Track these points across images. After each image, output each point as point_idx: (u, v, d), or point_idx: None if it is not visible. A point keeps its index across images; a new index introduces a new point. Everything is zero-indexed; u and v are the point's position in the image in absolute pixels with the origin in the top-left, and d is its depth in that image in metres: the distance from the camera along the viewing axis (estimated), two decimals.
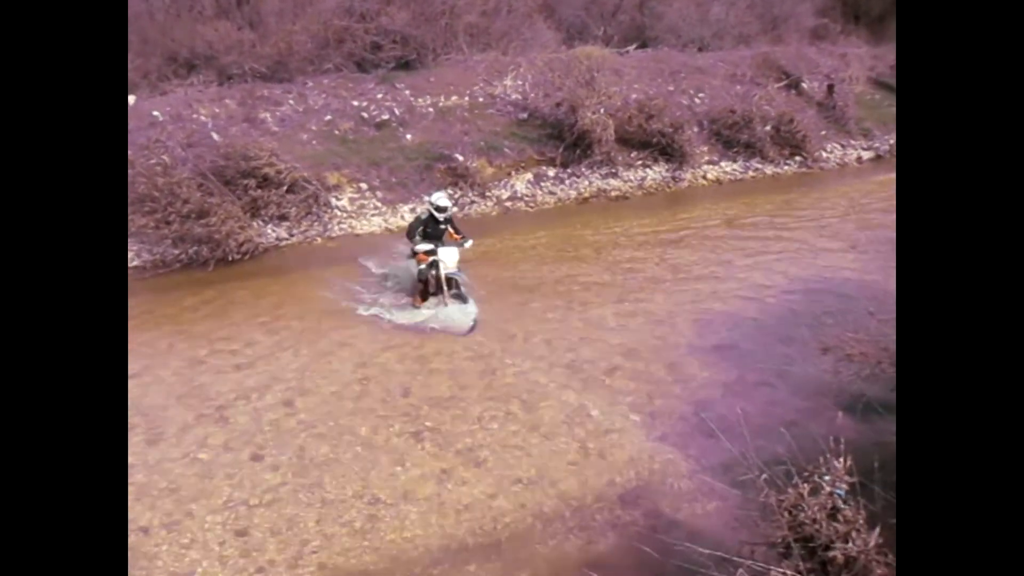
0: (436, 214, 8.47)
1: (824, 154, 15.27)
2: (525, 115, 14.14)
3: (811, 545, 3.43)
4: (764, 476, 3.65)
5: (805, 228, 11.23)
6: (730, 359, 7.11)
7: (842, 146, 15.76)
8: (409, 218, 11.95)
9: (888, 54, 18.23)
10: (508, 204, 12.81)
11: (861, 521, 3.38)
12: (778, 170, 14.67)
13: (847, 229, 10.86)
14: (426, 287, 8.46)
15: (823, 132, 15.59)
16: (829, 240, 10.46)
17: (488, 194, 12.78)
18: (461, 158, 12.75)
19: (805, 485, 3.59)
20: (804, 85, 16.49)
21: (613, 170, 13.72)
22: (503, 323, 8.02)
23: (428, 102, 13.90)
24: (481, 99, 14.36)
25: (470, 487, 5.37)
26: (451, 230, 8.70)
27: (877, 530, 3.28)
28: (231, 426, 6.13)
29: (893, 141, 16.03)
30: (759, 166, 14.65)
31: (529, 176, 13.39)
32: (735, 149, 14.70)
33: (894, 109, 16.78)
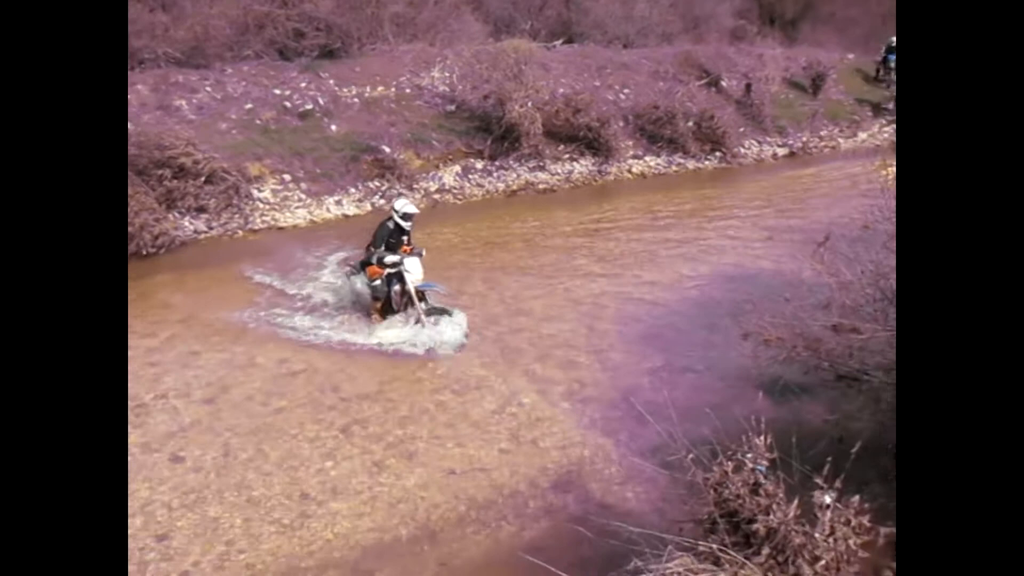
0: (403, 223, 7.67)
1: (742, 150, 15.86)
2: (453, 107, 14.07)
3: (735, 519, 3.57)
4: (691, 456, 3.77)
5: (725, 220, 11.64)
6: (656, 346, 7.30)
7: (759, 142, 16.41)
8: (335, 211, 11.73)
9: (800, 55, 19.08)
10: (436, 196, 12.71)
11: (781, 495, 3.53)
12: (699, 165, 15.14)
13: (764, 221, 11.33)
14: (388, 303, 7.61)
15: (741, 129, 16.18)
16: (748, 231, 10.89)
17: (416, 186, 12.65)
18: (388, 150, 12.57)
19: (729, 463, 3.73)
20: (723, 83, 17.06)
21: (541, 163, 13.83)
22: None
23: (353, 92, 13.63)
24: (408, 90, 14.18)
25: (402, 479, 5.32)
26: (404, 241, 7.87)
27: (796, 502, 3.44)
28: (149, 426, 5.86)
29: (805, 138, 16.82)
30: (681, 161, 15.08)
31: (457, 168, 13.34)
32: (659, 144, 15.07)
33: (806, 108, 17.63)
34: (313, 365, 6.88)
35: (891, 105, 18.31)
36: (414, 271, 7.54)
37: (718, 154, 15.44)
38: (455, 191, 12.97)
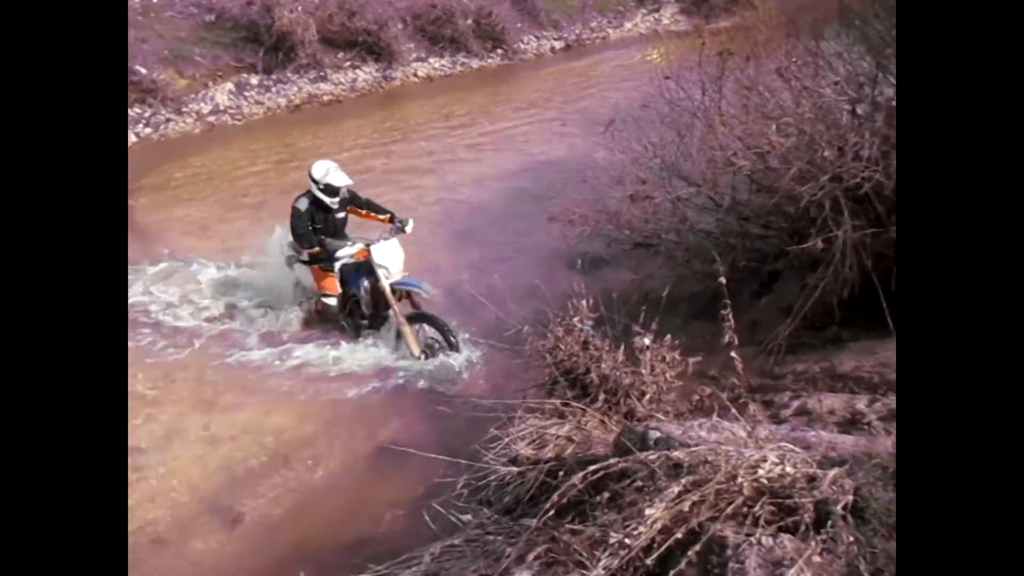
0: (325, 198, 5.46)
1: (522, 46, 16.18)
2: (212, 17, 12.70)
3: (572, 376, 3.95)
4: (526, 328, 4.06)
5: (517, 114, 11.99)
6: (470, 243, 7.53)
7: (537, 38, 16.82)
8: None
9: None
10: (211, 119, 11.63)
11: (607, 347, 3.97)
12: (483, 63, 15.24)
13: (553, 111, 11.83)
14: (355, 313, 5.65)
15: (519, 25, 16.43)
16: (539, 123, 11.33)
17: (185, 110, 11.46)
18: (143, 70, 11.16)
19: (560, 328, 4.08)
20: None
21: (321, 73, 13.11)
22: (236, 238, 7.46)
23: None
24: (154, 0, 12.50)
25: (240, 412, 5.13)
26: (367, 211, 5.83)
27: (621, 348, 3.89)
28: None
29: (579, 31, 17.52)
30: (465, 60, 15.07)
31: (230, 86, 12.24)
32: (441, 45, 14.89)
33: (576, 1, 18.24)
34: None
35: None
36: (390, 263, 5.44)
37: (500, 51, 15.63)
38: (232, 111, 11.93)
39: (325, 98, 12.94)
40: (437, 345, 5.46)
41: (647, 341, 3.79)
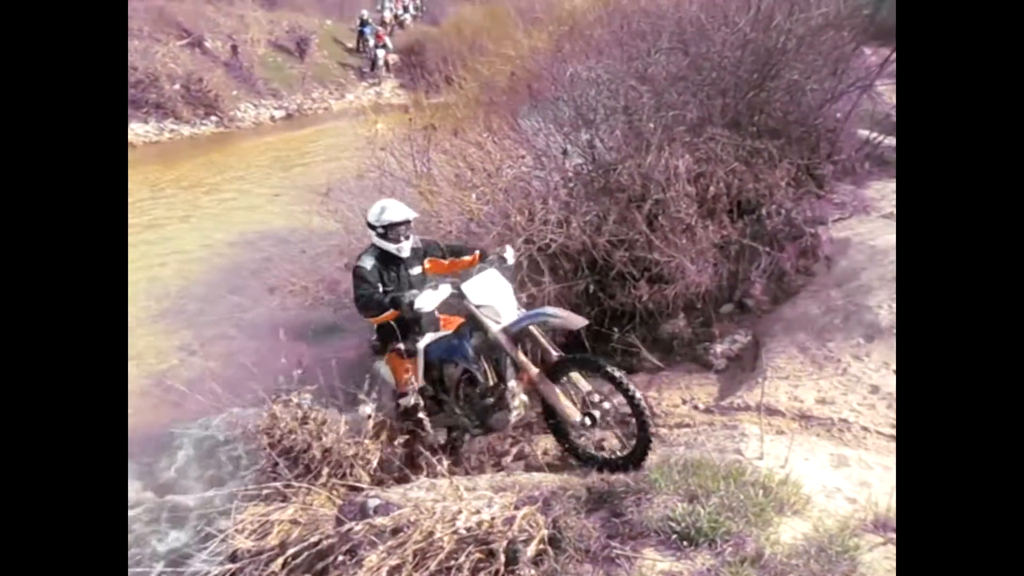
0: (389, 245, 3.91)
1: (239, 113, 15.60)
2: None
3: (293, 454, 3.76)
4: (235, 410, 3.80)
5: (232, 184, 11.41)
6: (181, 321, 6.91)
7: (255, 105, 16.34)
8: None
9: (281, 19, 19.37)
10: None
11: (330, 418, 3.85)
12: (195, 130, 14.37)
13: (270, 181, 11.45)
14: (471, 394, 3.83)
15: (235, 92, 15.84)
16: (256, 193, 10.89)
17: None
18: None
19: (275, 405, 3.88)
20: (208, 44, 16.33)
21: None
22: None
23: None
24: None
25: None
26: (450, 259, 4.20)
27: (343, 419, 3.80)
28: None
29: (300, 100, 17.39)
30: (175, 127, 14.09)
31: None
32: (144, 109, 13.76)
33: (296, 71, 18.14)
34: None
35: (369, 69, 20.22)
36: (496, 299, 3.67)
37: (214, 118, 14.88)
38: None
39: None
40: (599, 397, 3.55)
41: (368, 410, 3.76)
